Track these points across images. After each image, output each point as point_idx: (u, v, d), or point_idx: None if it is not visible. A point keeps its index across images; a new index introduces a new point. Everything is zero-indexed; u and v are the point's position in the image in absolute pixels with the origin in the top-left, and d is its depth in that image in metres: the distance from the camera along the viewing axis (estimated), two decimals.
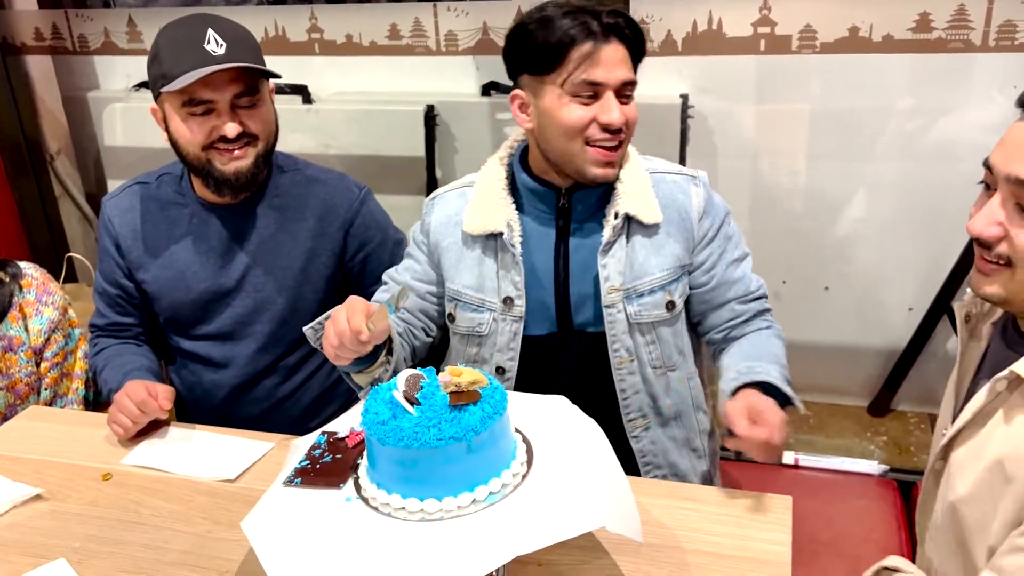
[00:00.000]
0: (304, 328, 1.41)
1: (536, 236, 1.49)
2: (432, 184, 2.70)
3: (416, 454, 1.00)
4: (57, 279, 1.99)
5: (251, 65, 1.49)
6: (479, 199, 1.50)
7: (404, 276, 1.60)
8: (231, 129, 1.51)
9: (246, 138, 1.55)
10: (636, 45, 1.39)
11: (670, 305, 1.48)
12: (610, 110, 1.37)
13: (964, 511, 1.05)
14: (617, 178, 1.45)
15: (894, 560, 1.14)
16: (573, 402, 1.52)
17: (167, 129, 1.57)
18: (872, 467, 2.13)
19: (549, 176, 1.47)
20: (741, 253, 1.54)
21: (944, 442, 1.11)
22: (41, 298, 1.81)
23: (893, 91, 2.35)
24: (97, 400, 1.90)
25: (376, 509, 1.04)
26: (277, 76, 1.56)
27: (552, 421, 1.18)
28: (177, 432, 1.56)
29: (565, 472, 1.07)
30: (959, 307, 1.19)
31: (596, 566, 1.17)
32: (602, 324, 1.49)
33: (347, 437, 1.19)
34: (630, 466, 1.46)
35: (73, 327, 1.90)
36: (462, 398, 1.04)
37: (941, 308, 2.46)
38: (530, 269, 1.49)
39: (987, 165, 1.04)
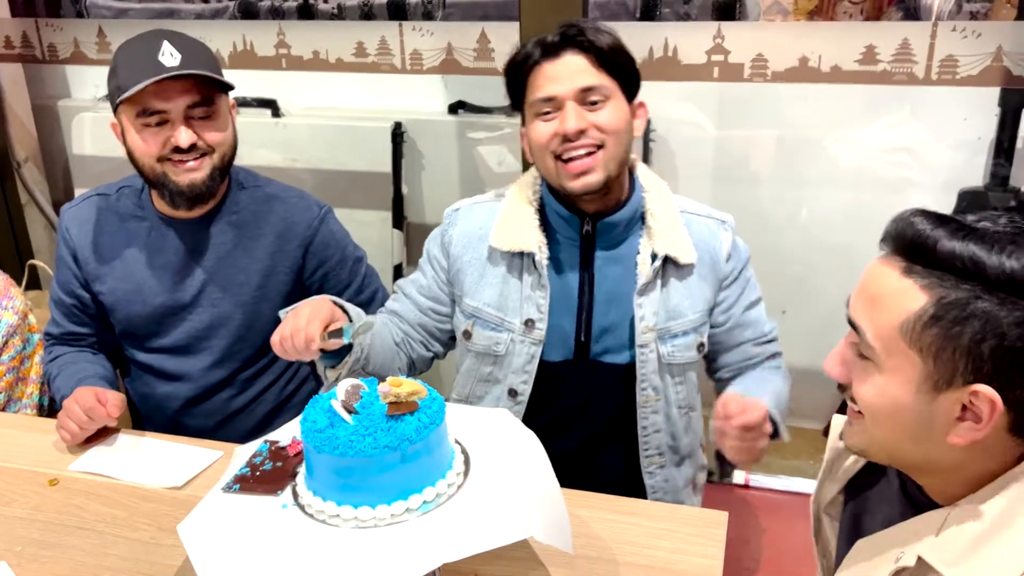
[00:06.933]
0: (280, 312, 1.39)
1: (563, 261, 1.48)
2: (398, 200, 2.73)
3: (351, 462, 1.02)
4: (19, 285, 2.00)
5: (202, 72, 1.51)
6: (509, 214, 1.48)
7: (409, 288, 1.58)
8: (184, 138, 1.52)
9: (200, 150, 1.56)
10: (600, 50, 1.38)
11: (700, 347, 1.50)
12: (565, 119, 1.37)
13: None
14: (647, 213, 1.45)
15: None
16: (586, 432, 1.54)
17: (125, 142, 1.58)
18: None
19: (573, 200, 1.45)
20: (757, 296, 1.56)
21: None
22: (1, 302, 1.81)
23: (849, 120, 2.41)
24: (52, 406, 1.90)
25: (311, 516, 1.06)
26: (231, 87, 1.58)
27: (492, 433, 1.20)
28: (127, 439, 1.56)
29: (499, 483, 1.09)
30: (837, 422, 1.11)
31: None
32: (620, 356, 1.48)
33: (288, 446, 1.21)
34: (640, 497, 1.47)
35: (32, 332, 1.90)
36: (400, 408, 1.06)
37: None
38: (555, 294, 1.47)
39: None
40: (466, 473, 1.11)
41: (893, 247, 0.88)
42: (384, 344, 1.49)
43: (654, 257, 1.44)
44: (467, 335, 1.53)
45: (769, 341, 1.57)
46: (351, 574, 0.96)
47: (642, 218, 1.47)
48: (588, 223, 1.45)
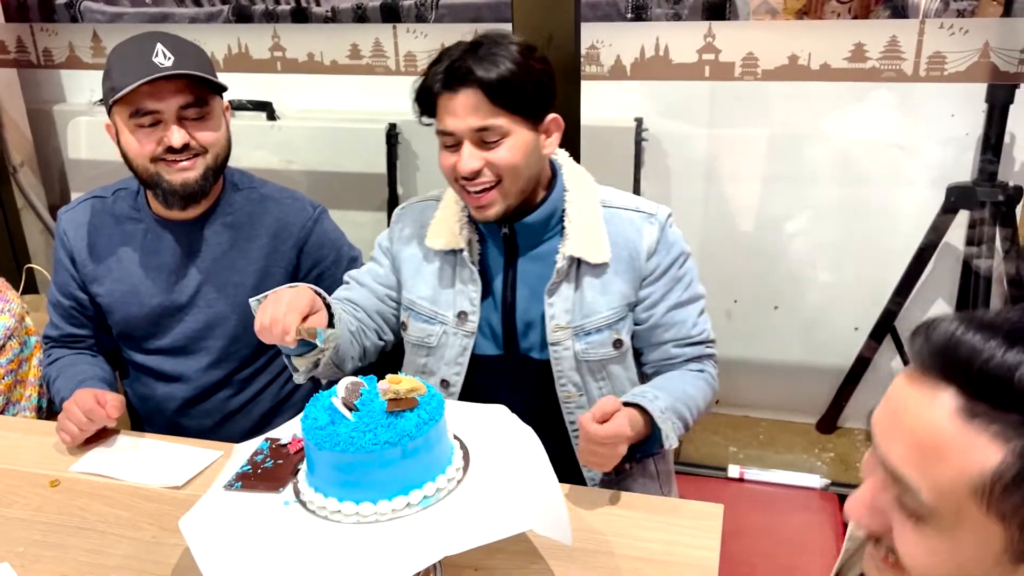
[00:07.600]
0: (251, 299, 1.37)
1: (490, 259, 1.52)
2: (393, 201, 2.74)
3: (352, 458, 1.03)
4: (16, 289, 2.00)
5: (194, 73, 1.52)
6: (442, 215, 1.53)
7: (365, 277, 1.62)
8: (177, 138, 1.53)
9: (194, 150, 1.57)
10: (491, 86, 1.33)
11: (617, 343, 1.49)
12: (461, 158, 1.37)
13: None
14: (565, 214, 1.46)
15: None
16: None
17: (119, 143, 1.59)
18: (814, 481, 2.19)
19: None
20: (690, 296, 1.51)
21: None
22: None
23: (839, 117, 2.44)
24: (51, 408, 1.91)
25: (313, 512, 1.08)
26: (224, 88, 1.59)
27: (491, 428, 1.22)
28: (126, 440, 1.57)
29: (499, 477, 1.11)
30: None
31: (531, 571, 1.21)
32: (541, 353, 1.50)
33: (289, 443, 1.22)
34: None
35: (29, 335, 1.91)
36: (399, 404, 1.08)
37: (885, 328, 2.54)
38: (484, 289, 1.51)
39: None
40: (465, 468, 1.13)
41: (942, 374, 0.66)
42: (343, 335, 1.50)
43: (563, 258, 1.45)
44: (403, 326, 1.58)
45: (696, 343, 1.52)
46: (353, 569, 0.98)
47: (561, 218, 1.47)
48: (506, 226, 1.48)
